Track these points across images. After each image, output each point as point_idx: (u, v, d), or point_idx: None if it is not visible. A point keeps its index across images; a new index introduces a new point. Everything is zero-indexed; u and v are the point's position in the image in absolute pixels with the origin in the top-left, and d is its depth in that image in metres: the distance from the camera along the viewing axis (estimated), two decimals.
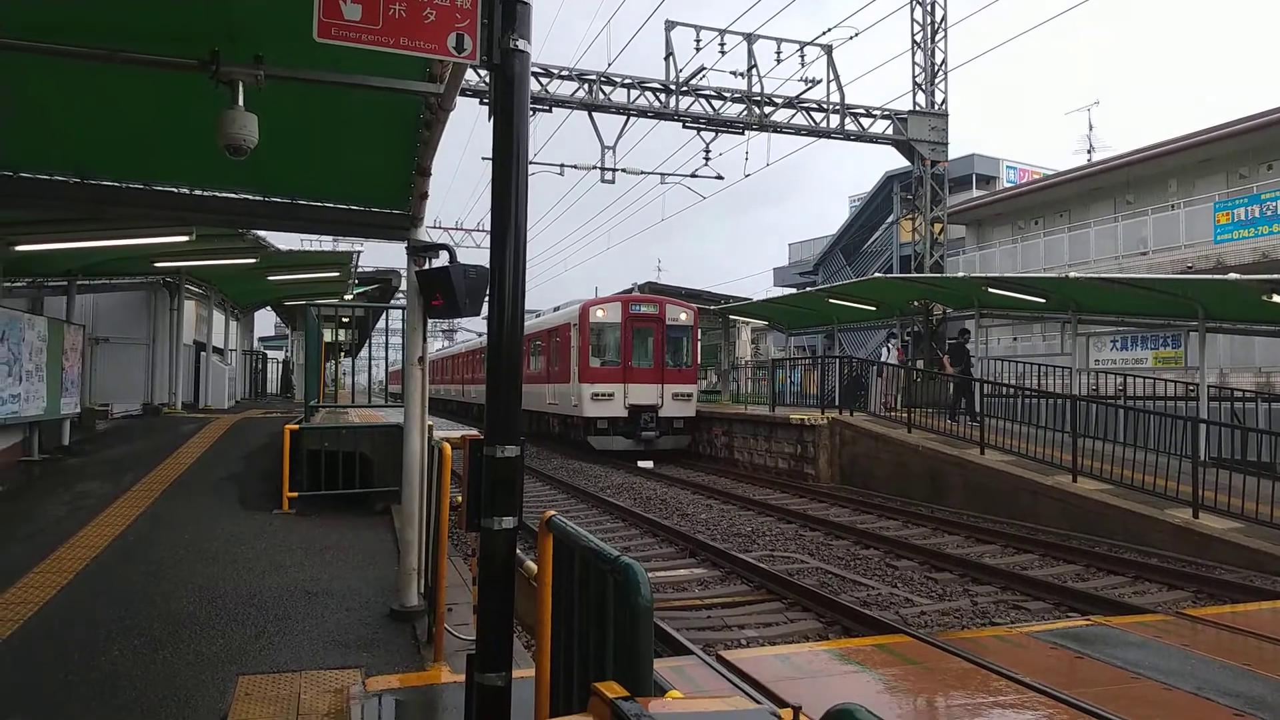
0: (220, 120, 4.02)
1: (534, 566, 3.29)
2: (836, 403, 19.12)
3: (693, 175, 22.96)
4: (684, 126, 21.38)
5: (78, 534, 8.12)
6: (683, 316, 22.86)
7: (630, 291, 25.73)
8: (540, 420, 26.33)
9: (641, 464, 20.57)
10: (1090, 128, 67.64)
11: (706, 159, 22.38)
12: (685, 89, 20.90)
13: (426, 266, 5.82)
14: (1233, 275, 13.15)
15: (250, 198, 6.38)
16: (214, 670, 4.89)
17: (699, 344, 23.80)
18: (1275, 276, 12.26)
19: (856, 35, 20.45)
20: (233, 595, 6.39)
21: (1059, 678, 5.33)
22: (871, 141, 22.79)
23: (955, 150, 25.35)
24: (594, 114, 20.75)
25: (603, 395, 21.45)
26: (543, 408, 25.29)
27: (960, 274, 23.09)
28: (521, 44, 3.11)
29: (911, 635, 6.51)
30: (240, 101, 4.02)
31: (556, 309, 26.61)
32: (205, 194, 6.25)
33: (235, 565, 7.26)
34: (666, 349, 22.25)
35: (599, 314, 22.09)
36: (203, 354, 20.29)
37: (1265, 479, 10.66)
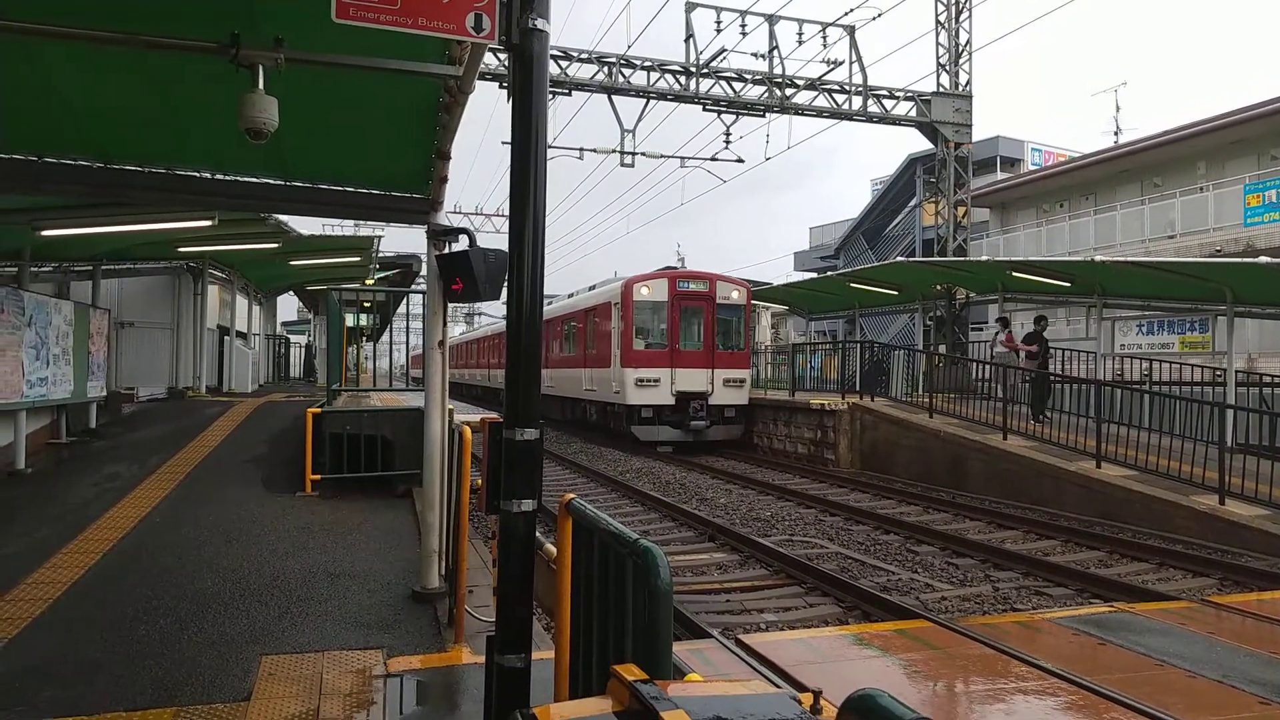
0: (241, 104, 4.03)
1: (553, 549, 3.29)
2: (857, 388, 19.01)
3: (713, 159, 22.82)
4: (704, 109, 21.24)
5: (105, 515, 8.24)
6: (734, 295, 21.05)
7: (674, 269, 24.65)
8: (575, 407, 24.93)
9: (661, 448, 20.29)
10: (1117, 109, 66.37)
11: (727, 142, 22.23)
12: (705, 71, 20.76)
13: (446, 251, 5.82)
14: (1264, 258, 12.93)
15: (271, 182, 6.40)
16: (238, 650, 4.96)
17: (751, 325, 22.03)
18: None
19: (880, 16, 20.21)
20: (256, 576, 6.46)
21: (1081, 664, 5.29)
22: (894, 123, 22.55)
23: (979, 132, 25.04)
24: (613, 97, 20.66)
25: (648, 381, 19.81)
26: (578, 394, 23.79)
27: (984, 257, 22.86)
28: (540, 24, 3.09)
29: (932, 620, 6.48)
30: (261, 85, 4.03)
31: (592, 288, 25.06)
32: (227, 178, 6.28)
33: (259, 546, 7.34)
34: (717, 330, 20.53)
35: (643, 292, 20.30)
36: (226, 338, 20.48)
37: None
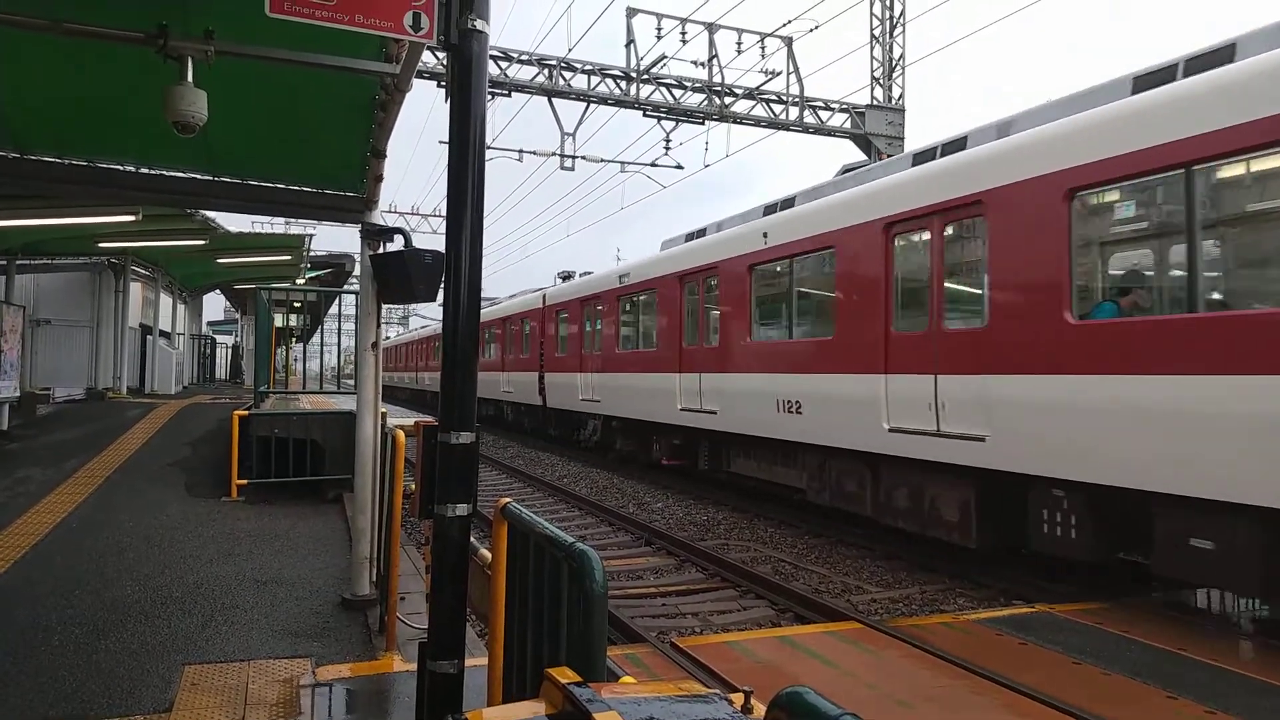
0: (168, 96, 3.92)
1: (488, 554, 3.27)
2: None
3: (653, 164, 22.92)
4: (644, 115, 21.30)
5: (17, 521, 7.89)
6: None
7: None
8: (905, 493, 9.28)
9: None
10: None
11: (667, 148, 22.36)
12: (646, 77, 20.84)
13: (381, 251, 5.74)
14: None
15: (199, 177, 6.23)
16: (159, 660, 4.80)
17: None
18: None
19: (817, 28, 20.56)
20: (179, 584, 6.26)
21: (1003, 663, 5.46)
22: (829, 135, 22.95)
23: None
24: (554, 100, 20.59)
25: None
26: (897, 447, 8.99)
27: None
28: (480, 24, 3.07)
29: (862, 622, 6.61)
30: (189, 77, 3.92)
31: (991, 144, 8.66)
32: (152, 172, 6.09)
33: (182, 553, 7.11)
34: None
35: None
36: (149, 338, 19.83)
37: None
